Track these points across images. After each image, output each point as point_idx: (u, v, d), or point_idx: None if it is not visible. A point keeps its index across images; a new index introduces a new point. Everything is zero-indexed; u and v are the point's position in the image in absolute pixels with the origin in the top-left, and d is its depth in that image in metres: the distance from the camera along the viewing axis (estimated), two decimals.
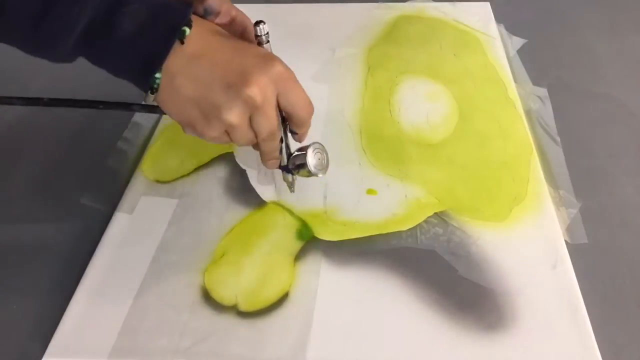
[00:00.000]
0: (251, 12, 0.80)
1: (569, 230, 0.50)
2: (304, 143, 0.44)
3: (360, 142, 0.58)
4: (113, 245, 0.50)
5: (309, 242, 0.49)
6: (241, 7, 0.82)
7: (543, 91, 0.64)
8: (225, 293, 0.46)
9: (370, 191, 0.53)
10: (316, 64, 0.69)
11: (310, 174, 0.42)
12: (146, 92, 0.36)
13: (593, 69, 0.69)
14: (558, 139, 0.58)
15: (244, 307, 0.45)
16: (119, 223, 0.52)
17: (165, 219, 0.52)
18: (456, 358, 0.41)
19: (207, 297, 0.45)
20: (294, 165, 0.43)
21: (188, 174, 0.56)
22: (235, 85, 0.35)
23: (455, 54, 0.70)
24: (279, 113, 0.39)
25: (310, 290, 0.46)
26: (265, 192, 0.53)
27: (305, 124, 0.41)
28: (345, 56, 0.70)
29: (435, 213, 0.51)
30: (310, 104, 0.40)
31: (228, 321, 0.44)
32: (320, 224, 0.50)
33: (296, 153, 0.43)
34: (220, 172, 0.56)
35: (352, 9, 0.79)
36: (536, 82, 0.66)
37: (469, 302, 0.44)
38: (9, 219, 0.53)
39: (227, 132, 0.38)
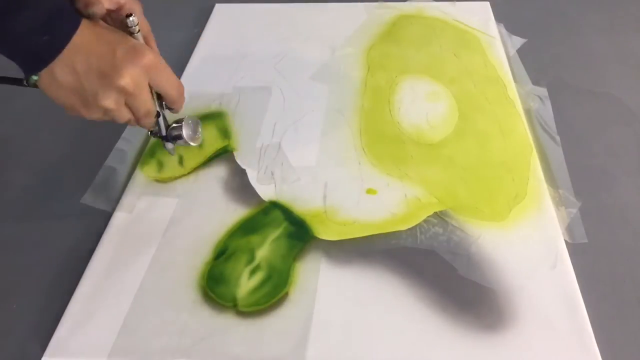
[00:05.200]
0: (252, 12, 0.80)
1: (569, 229, 0.50)
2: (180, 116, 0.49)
3: (360, 141, 0.58)
4: (113, 245, 0.50)
5: (309, 242, 0.49)
6: (242, 7, 0.82)
7: (543, 91, 0.64)
8: (225, 293, 0.46)
9: (370, 191, 0.53)
10: (316, 64, 0.69)
11: (186, 142, 0.48)
12: (25, 82, 0.41)
13: (593, 68, 0.69)
14: (558, 138, 0.58)
15: (243, 306, 0.45)
16: (119, 223, 0.52)
17: (165, 218, 0.52)
18: (456, 357, 0.41)
19: (207, 297, 0.45)
20: (171, 136, 0.48)
21: (188, 174, 0.56)
22: (109, 75, 0.39)
23: (455, 54, 0.70)
24: (153, 94, 0.44)
25: (310, 290, 0.46)
26: (265, 192, 0.53)
27: (177, 101, 0.46)
28: (345, 56, 0.70)
29: (435, 213, 0.51)
30: (179, 84, 0.45)
31: (228, 321, 0.44)
32: (320, 224, 0.50)
33: (173, 125, 0.48)
34: (220, 172, 0.56)
35: (352, 9, 0.79)
36: (536, 81, 0.66)
37: (468, 302, 0.44)
38: (9, 219, 0.53)
39: (107, 114, 0.42)
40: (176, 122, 0.49)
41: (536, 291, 0.45)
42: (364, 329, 0.43)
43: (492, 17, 0.76)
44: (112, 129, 0.61)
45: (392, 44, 0.72)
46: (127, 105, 0.42)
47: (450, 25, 0.75)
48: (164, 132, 0.48)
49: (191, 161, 0.57)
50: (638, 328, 0.43)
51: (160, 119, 0.47)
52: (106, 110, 0.41)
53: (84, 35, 0.39)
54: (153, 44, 0.46)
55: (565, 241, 0.49)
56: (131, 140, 0.60)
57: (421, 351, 0.42)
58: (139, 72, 0.41)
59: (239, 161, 0.57)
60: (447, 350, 0.42)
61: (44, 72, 0.39)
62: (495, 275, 0.46)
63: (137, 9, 0.44)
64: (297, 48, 0.72)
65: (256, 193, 0.53)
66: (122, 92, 0.41)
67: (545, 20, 0.77)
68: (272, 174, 0.55)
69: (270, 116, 0.62)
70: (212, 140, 0.59)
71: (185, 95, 0.46)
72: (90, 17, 0.41)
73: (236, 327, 0.43)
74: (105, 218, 0.52)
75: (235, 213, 0.52)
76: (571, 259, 0.47)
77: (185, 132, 0.48)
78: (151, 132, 0.48)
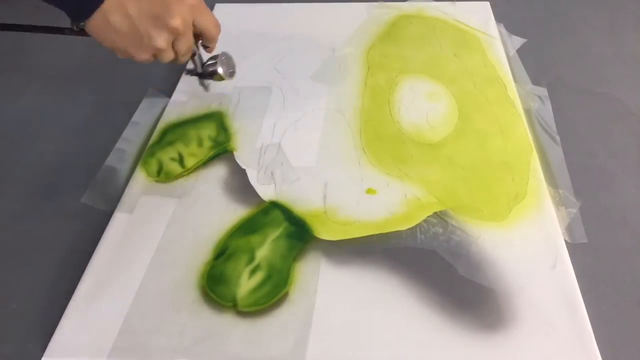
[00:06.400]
0: (252, 12, 0.80)
1: (569, 229, 0.50)
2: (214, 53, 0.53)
3: (360, 141, 0.58)
4: (113, 245, 0.50)
5: (309, 242, 0.49)
6: (242, 6, 0.82)
7: (543, 90, 0.64)
8: (225, 293, 0.46)
9: (370, 191, 0.53)
10: (316, 64, 0.69)
11: (221, 78, 0.52)
12: (77, 27, 0.44)
13: (593, 68, 0.69)
14: (558, 138, 0.58)
15: (243, 306, 0.45)
16: (119, 223, 0.52)
17: (165, 218, 0.52)
18: (456, 357, 0.41)
19: (207, 297, 0.45)
20: (207, 72, 0.52)
21: (188, 174, 0.56)
22: (162, 17, 0.43)
23: (455, 54, 0.70)
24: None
25: (310, 290, 0.46)
26: (265, 191, 0.53)
27: (215, 39, 0.50)
28: (345, 56, 0.70)
29: (435, 212, 0.51)
30: (218, 24, 0.50)
31: (228, 321, 0.44)
32: (320, 224, 0.50)
33: (209, 62, 0.52)
34: (220, 172, 0.56)
35: (352, 8, 0.79)
36: (536, 81, 0.66)
37: (468, 302, 0.44)
38: (9, 219, 0.53)
39: (155, 55, 0.47)
40: (211, 58, 0.52)
41: (536, 291, 0.45)
42: (364, 328, 0.43)
43: (492, 17, 0.76)
44: (112, 130, 0.61)
45: (392, 43, 0.72)
46: (173, 45, 0.46)
47: (450, 25, 0.75)
48: (199, 70, 0.52)
49: (191, 161, 0.57)
50: (638, 328, 0.43)
51: (197, 58, 0.51)
52: (157, 50, 0.45)
53: None
54: None
55: (565, 241, 0.49)
56: (131, 140, 0.60)
57: (421, 351, 0.42)
58: (187, 11, 0.45)
59: (239, 161, 0.57)
60: (447, 350, 0.42)
61: (97, 18, 0.42)
62: (495, 275, 0.46)
63: None
64: (297, 48, 0.72)
65: (256, 193, 0.53)
66: (174, 31, 0.44)
67: (545, 20, 0.77)
68: (272, 174, 0.55)
69: (270, 116, 0.62)
70: (212, 140, 0.59)
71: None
72: None
73: (236, 327, 0.43)
74: (105, 218, 0.52)
75: (235, 213, 0.52)
76: (571, 259, 0.47)
77: (220, 68, 0.52)
78: (188, 70, 0.52)
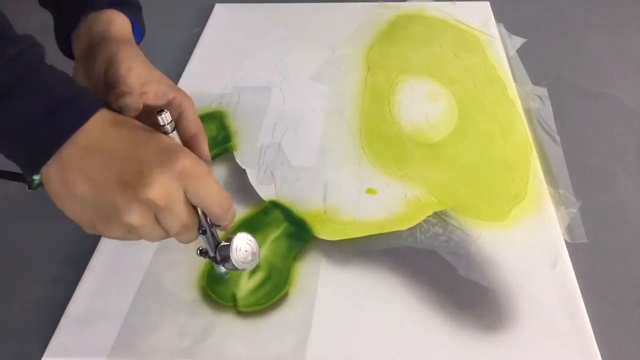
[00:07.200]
0: (252, 12, 0.80)
1: (569, 229, 0.50)
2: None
3: (360, 141, 0.58)
4: (113, 245, 0.50)
5: (309, 242, 0.49)
6: (242, 7, 0.82)
7: (543, 91, 0.64)
8: (224, 293, 0.46)
9: (370, 191, 0.53)
10: (316, 64, 0.69)
11: (235, 268, 0.38)
12: (30, 187, 0.34)
13: (593, 68, 0.69)
14: (558, 138, 0.58)
15: (243, 306, 0.45)
16: None
17: None
18: (456, 357, 0.41)
19: (207, 297, 0.45)
20: (220, 257, 0.38)
21: None
22: (132, 185, 0.31)
23: (455, 54, 0.70)
24: (192, 208, 0.35)
25: (310, 290, 0.46)
26: (265, 192, 0.53)
27: (222, 219, 0.36)
28: (345, 56, 0.70)
29: (435, 212, 0.51)
30: (224, 198, 0.35)
31: (228, 321, 0.44)
32: (320, 224, 0.50)
33: (223, 244, 0.38)
34: (220, 172, 0.56)
35: (352, 8, 0.79)
36: (536, 81, 0.66)
37: (468, 302, 0.44)
38: (9, 219, 0.53)
39: (132, 232, 0.33)
40: (227, 239, 0.38)
41: (536, 291, 0.45)
42: (363, 328, 0.43)
43: (492, 17, 0.76)
44: None
45: (392, 43, 0.72)
46: (159, 221, 0.34)
47: (450, 25, 0.75)
48: (212, 253, 0.39)
49: None
50: (638, 328, 0.43)
51: (208, 236, 0.37)
52: (130, 228, 0.33)
53: (103, 132, 0.32)
54: (203, 144, 0.39)
55: (565, 241, 0.49)
56: None
57: (421, 351, 0.42)
58: (171, 180, 0.32)
59: (239, 161, 0.57)
60: (447, 350, 0.42)
61: (53, 178, 0.32)
62: (495, 275, 0.46)
63: (188, 104, 0.39)
64: (297, 48, 0.72)
65: (256, 193, 0.53)
66: (150, 205, 0.32)
67: (545, 20, 0.77)
68: (272, 174, 0.55)
69: (270, 116, 0.62)
70: (212, 140, 0.59)
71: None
72: (122, 112, 0.35)
73: (236, 327, 0.43)
74: None
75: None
76: (571, 259, 0.47)
77: (234, 255, 0.37)
78: (201, 251, 0.39)
